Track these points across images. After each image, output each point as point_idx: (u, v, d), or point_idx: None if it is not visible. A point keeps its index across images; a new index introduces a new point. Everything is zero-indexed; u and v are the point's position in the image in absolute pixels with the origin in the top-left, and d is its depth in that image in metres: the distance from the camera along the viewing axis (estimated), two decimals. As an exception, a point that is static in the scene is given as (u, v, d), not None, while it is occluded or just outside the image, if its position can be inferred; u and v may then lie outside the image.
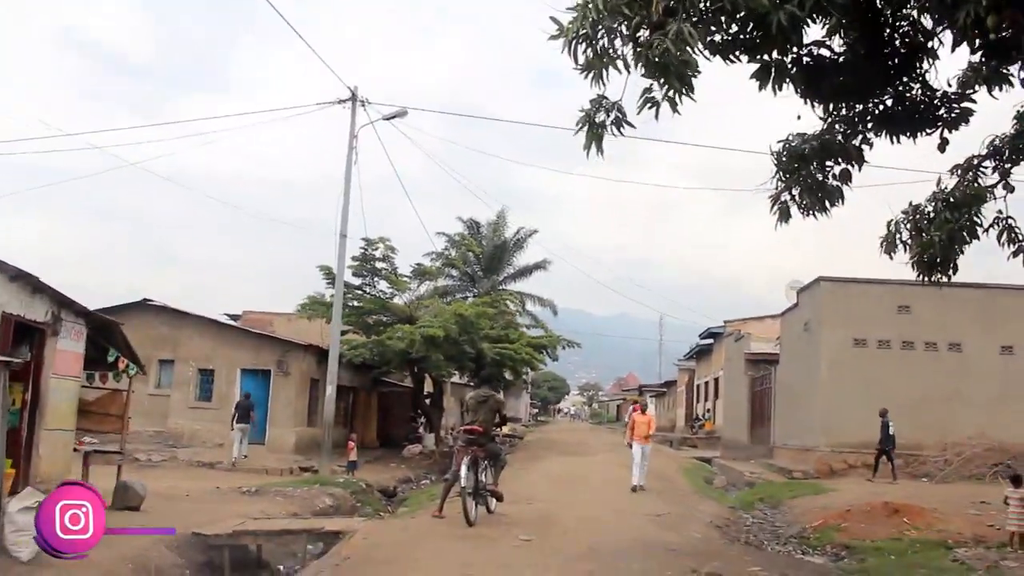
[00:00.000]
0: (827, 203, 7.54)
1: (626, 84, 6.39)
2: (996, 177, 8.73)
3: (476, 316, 27.87)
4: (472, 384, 39.78)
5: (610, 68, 6.20)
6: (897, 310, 25.19)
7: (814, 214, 7.59)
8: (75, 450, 13.93)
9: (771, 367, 32.80)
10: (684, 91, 5.80)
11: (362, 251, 29.58)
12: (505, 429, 31.08)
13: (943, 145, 7.69)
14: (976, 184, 8.72)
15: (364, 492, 20.84)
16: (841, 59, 6.76)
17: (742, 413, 36.31)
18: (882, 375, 24.57)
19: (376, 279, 30.44)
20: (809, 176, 7.51)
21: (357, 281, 30.48)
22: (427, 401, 33.40)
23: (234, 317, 37.96)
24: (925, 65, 7.24)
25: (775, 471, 26.38)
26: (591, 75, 6.29)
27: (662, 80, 5.77)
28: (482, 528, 11.40)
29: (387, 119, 24.80)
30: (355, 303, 30.66)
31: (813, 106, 6.88)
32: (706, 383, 48.80)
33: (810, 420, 26.08)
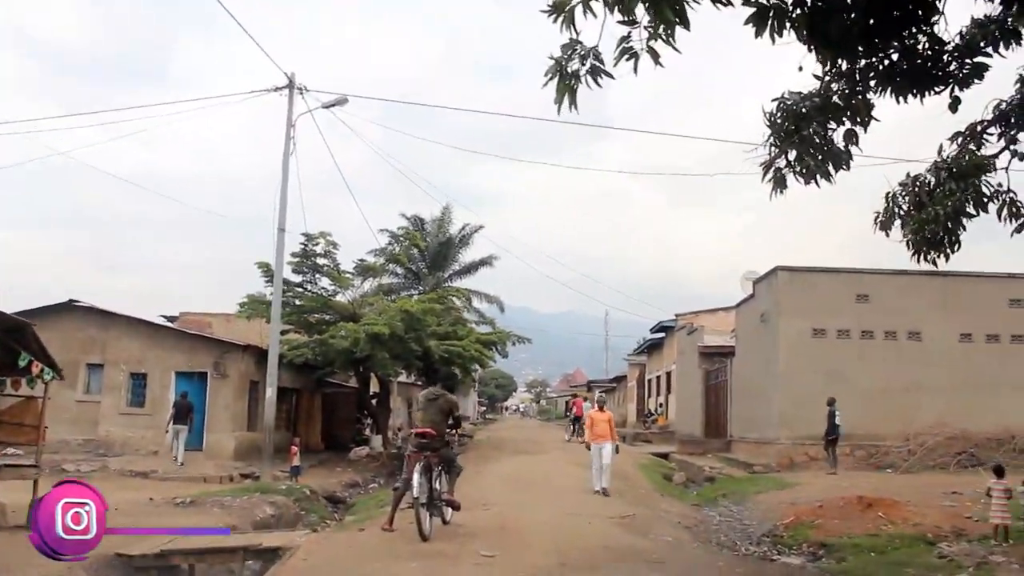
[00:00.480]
0: (831, 168, 6.61)
1: (602, 30, 5.43)
2: (1001, 144, 7.91)
3: (423, 312, 26.75)
4: (420, 383, 38.70)
5: (584, 11, 5.22)
6: (856, 299, 24.74)
7: (816, 181, 6.65)
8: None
9: (726, 360, 32.20)
10: (676, 25, 4.84)
11: (302, 247, 28.29)
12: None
13: (954, 104, 6.86)
14: (979, 153, 7.90)
15: (308, 499, 19.68)
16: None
17: (696, 407, 35.68)
18: (842, 365, 24.11)
19: (317, 276, 29.16)
20: (810, 138, 6.56)
21: (298, 279, 29.18)
22: (373, 402, 32.15)
23: (171, 319, 36.43)
24: (934, 14, 6.37)
25: (735, 465, 25.74)
26: (560, 19, 5.30)
27: (653, 13, 4.80)
28: (438, 543, 10.28)
29: (326, 107, 23.61)
30: (296, 301, 29.39)
31: (818, 54, 5.90)
32: (657, 377, 48.23)
33: (769, 412, 25.47)
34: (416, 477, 10.33)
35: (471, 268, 53.88)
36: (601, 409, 17.78)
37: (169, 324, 28.41)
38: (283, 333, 28.28)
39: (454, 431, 12.47)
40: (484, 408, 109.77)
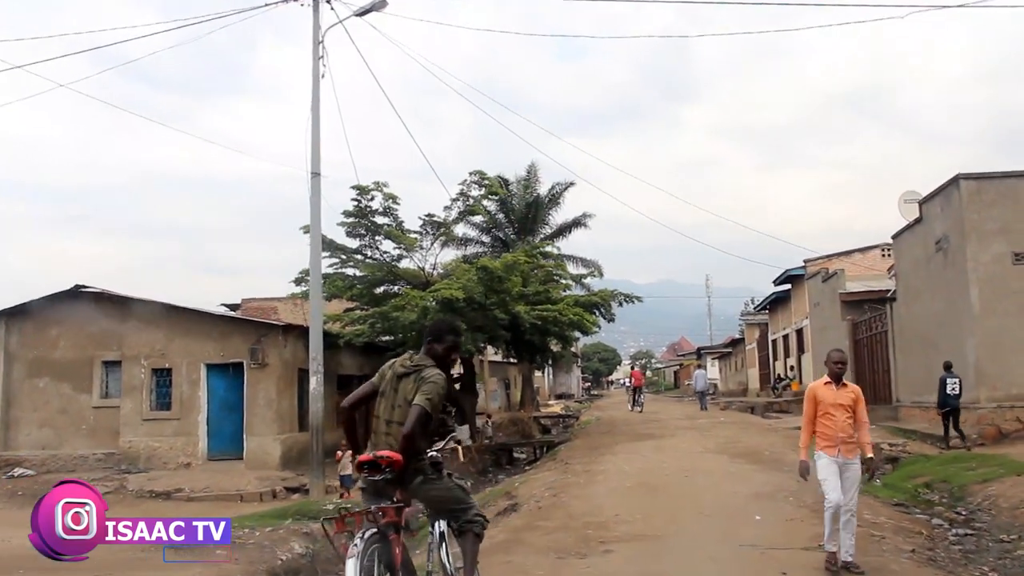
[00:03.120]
0: None
1: None
2: None
3: (505, 270, 21.45)
4: (512, 360, 33.43)
5: None
6: (1076, 207, 18.62)
7: None
8: None
9: (882, 307, 26.15)
10: None
11: (355, 203, 23.29)
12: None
13: None
14: None
15: (362, 522, 14.77)
16: None
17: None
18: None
19: (377, 239, 24.10)
20: None
21: (355, 243, 24.25)
22: (457, 386, 26.90)
23: (233, 307, 32.16)
24: None
25: (917, 439, 19.87)
26: None
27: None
28: None
29: (360, 15, 18.51)
30: (355, 271, 24.49)
31: None
32: (785, 336, 42.03)
33: (958, 368, 19.51)
34: (352, 565, 4.52)
35: (563, 230, 48.80)
36: (837, 381, 7.94)
37: (203, 309, 23.49)
38: (346, 312, 23.54)
39: (452, 443, 6.27)
40: (589, 384, 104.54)
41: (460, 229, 42.61)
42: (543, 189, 48.58)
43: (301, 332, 20.65)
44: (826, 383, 7.88)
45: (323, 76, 18.48)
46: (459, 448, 7.39)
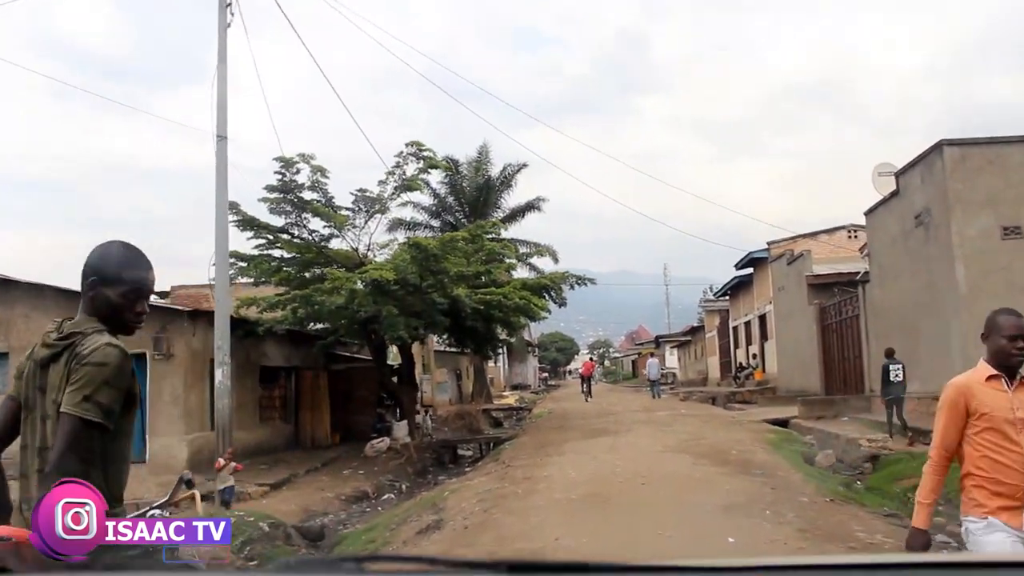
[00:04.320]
0: None
1: None
2: None
3: (441, 247, 19.21)
4: (456, 348, 31.15)
5: None
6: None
7: None
8: None
9: (853, 289, 24.34)
10: None
11: (279, 177, 20.92)
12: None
13: None
14: None
15: (262, 539, 12.47)
16: None
17: (809, 355, 27.91)
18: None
19: (304, 216, 21.75)
20: None
21: (281, 221, 21.90)
22: (394, 379, 24.62)
23: (162, 295, 29.54)
24: None
25: (896, 433, 18.00)
26: None
27: None
28: None
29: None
30: (283, 252, 22.14)
31: None
32: (747, 323, 40.25)
33: (942, 353, 17.68)
34: None
35: (516, 214, 46.87)
36: (1013, 375, 4.03)
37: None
38: (268, 297, 21.25)
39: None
40: (546, 374, 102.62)
41: (407, 213, 40.64)
42: (495, 171, 46.56)
43: (213, 319, 18.26)
44: (990, 378, 4.02)
45: (230, 24, 16.14)
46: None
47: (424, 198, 43.55)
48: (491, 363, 62.17)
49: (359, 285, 18.37)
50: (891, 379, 16.85)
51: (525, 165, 46.48)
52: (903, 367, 16.92)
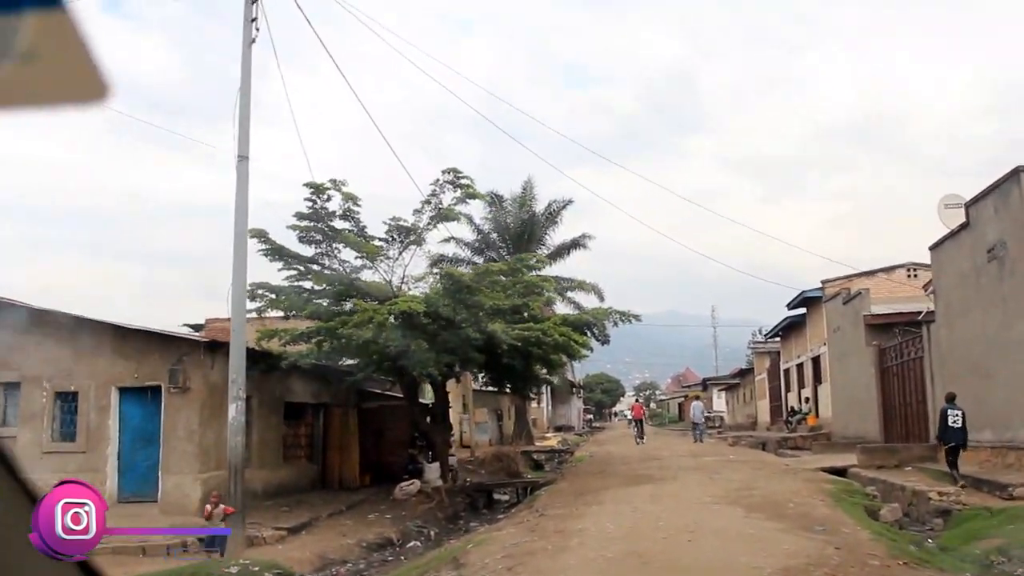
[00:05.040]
0: None
1: None
2: None
3: (475, 279, 18.11)
4: (491, 387, 29.88)
5: None
6: None
7: None
8: None
9: (917, 329, 22.79)
10: None
11: (308, 204, 20.03)
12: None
13: None
14: None
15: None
16: None
17: (867, 399, 26.25)
18: None
19: (335, 245, 20.79)
20: None
21: (310, 251, 20.96)
22: (428, 419, 23.42)
23: (196, 328, 28.84)
24: None
25: (969, 486, 16.41)
26: None
27: None
28: None
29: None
30: (313, 284, 21.15)
31: None
32: (799, 365, 38.56)
33: (1019, 398, 16.20)
34: None
35: (561, 251, 45.85)
36: None
37: (116, 323, 19.58)
38: (290, 329, 20.29)
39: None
40: (591, 416, 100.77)
41: (449, 249, 39.76)
42: (539, 207, 45.55)
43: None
44: None
45: (254, 40, 15.33)
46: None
47: (467, 233, 42.72)
48: (533, 404, 60.76)
49: (388, 318, 17.29)
50: (949, 424, 15.91)
51: (571, 201, 45.51)
52: (963, 413, 15.92)
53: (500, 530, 13.28)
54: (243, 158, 15.08)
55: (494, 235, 44.14)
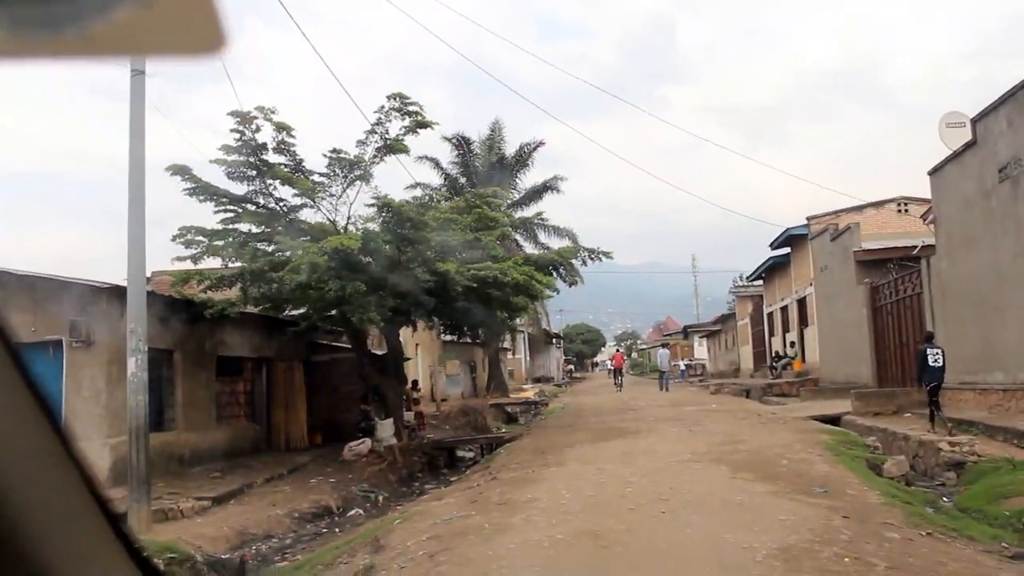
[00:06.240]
0: None
1: None
2: None
3: (418, 210, 15.94)
4: (446, 332, 27.72)
5: None
6: None
7: None
8: None
9: (913, 264, 20.90)
10: None
11: (236, 134, 17.72)
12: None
13: None
14: None
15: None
16: None
17: (857, 341, 24.43)
18: None
19: (269, 183, 18.52)
20: None
21: (242, 189, 18.71)
22: (379, 370, 21.28)
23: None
24: None
25: (980, 433, 14.59)
26: None
27: None
28: None
29: None
30: (250, 226, 18.90)
31: None
32: (783, 308, 36.73)
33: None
34: None
35: (533, 195, 44.07)
36: None
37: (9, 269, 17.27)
38: (207, 271, 18.22)
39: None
40: (571, 367, 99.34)
41: (415, 194, 37.51)
42: (510, 150, 43.49)
43: (151, 299, 15.08)
44: None
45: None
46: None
47: (434, 178, 40.85)
48: (511, 355, 58.91)
49: (322, 257, 15.11)
50: (930, 363, 15.10)
51: (542, 143, 43.54)
52: (942, 351, 15.18)
53: (440, 499, 11.27)
54: (139, 73, 12.78)
55: (463, 180, 42.09)
